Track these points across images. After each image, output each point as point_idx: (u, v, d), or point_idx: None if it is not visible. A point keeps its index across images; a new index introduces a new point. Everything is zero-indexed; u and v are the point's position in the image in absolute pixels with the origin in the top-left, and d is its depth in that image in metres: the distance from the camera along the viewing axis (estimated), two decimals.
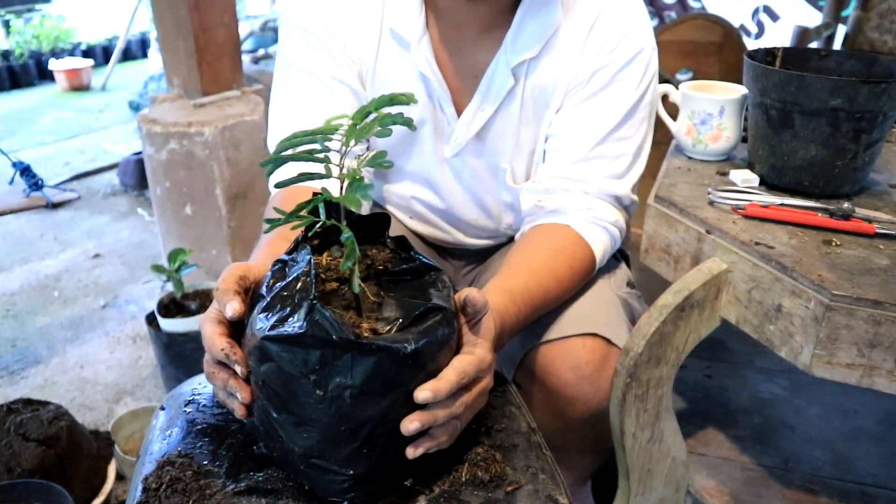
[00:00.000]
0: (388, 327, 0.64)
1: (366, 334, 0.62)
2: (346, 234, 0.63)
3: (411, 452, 0.66)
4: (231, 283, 0.69)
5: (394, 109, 0.65)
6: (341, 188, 0.64)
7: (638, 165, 1.01)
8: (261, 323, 0.63)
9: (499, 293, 0.84)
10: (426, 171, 1.07)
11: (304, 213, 0.66)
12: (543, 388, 0.96)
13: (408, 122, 0.64)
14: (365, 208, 1.09)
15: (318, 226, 0.67)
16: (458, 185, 1.08)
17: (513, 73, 0.96)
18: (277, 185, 0.67)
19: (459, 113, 1.00)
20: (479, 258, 1.23)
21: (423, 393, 0.63)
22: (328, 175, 0.63)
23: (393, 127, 0.65)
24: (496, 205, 1.09)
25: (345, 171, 0.63)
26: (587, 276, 0.99)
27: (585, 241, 0.96)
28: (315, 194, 0.65)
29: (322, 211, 0.65)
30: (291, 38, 1.00)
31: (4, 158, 2.25)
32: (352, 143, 0.63)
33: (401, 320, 0.65)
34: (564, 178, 0.98)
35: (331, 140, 0.63)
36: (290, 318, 0.61)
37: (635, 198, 1.03)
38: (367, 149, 1.03)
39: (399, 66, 0.99)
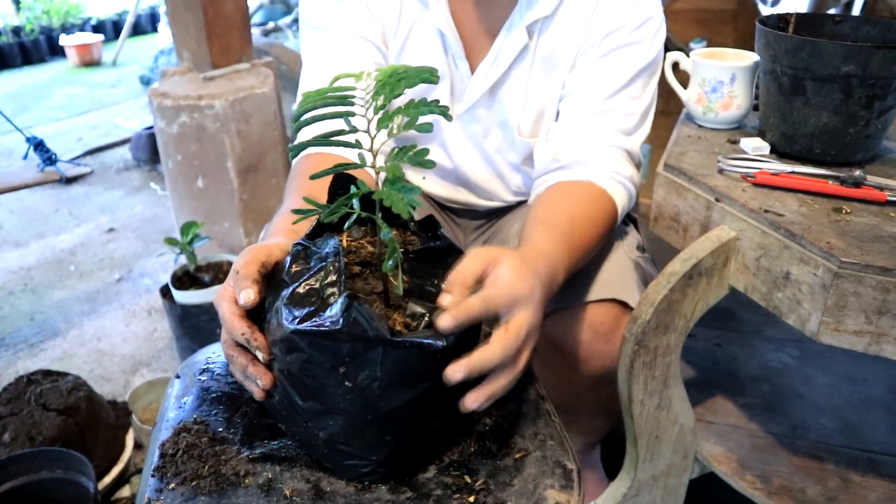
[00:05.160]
0: (416, 322, 0.64)
1: (398, 328, 0.62)
2: (386, 232, 0.61)
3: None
4: (252, 270, 0.67)
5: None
6: (377, 181, 0.62)
7: (645, 126, 1.04)
8: (289, 315, 0.62)
9: (545, 238, 0.81)
10: (437, 130, 1.09)
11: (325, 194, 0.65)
12: (559, 350, 0.99)
13: (444, 112, 0.61)
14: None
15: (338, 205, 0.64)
16: (468, 142, 1.10)
17: (527, 31, 0.99)
18: (312, 178, 0.63)
19: (473, 70, 1.03)
20: (489, 218, 1.24)
21: (457, 374, 0.61)
22: (363, 164, 0.61)
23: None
24: (504, 164, 1.11)
25: (380, 162, 0.60)
26: (611, 231, 0.99)
27: (610, 196, 0.96)
28: (342, 176, 0.63)
29: (357, 205, 0.63)
30: (314, 3, 1.02)
31: (18, 134, 2.27)
32: (384, 132, 0.60)
33: (428, 315, 0.64)
34: (577, 129, 1.00)
35: (352, 104, 0.59)
36: (323, 312, 0.61)
37: (642, 158, 1.05)
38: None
39: (419, 24, 1.02)
